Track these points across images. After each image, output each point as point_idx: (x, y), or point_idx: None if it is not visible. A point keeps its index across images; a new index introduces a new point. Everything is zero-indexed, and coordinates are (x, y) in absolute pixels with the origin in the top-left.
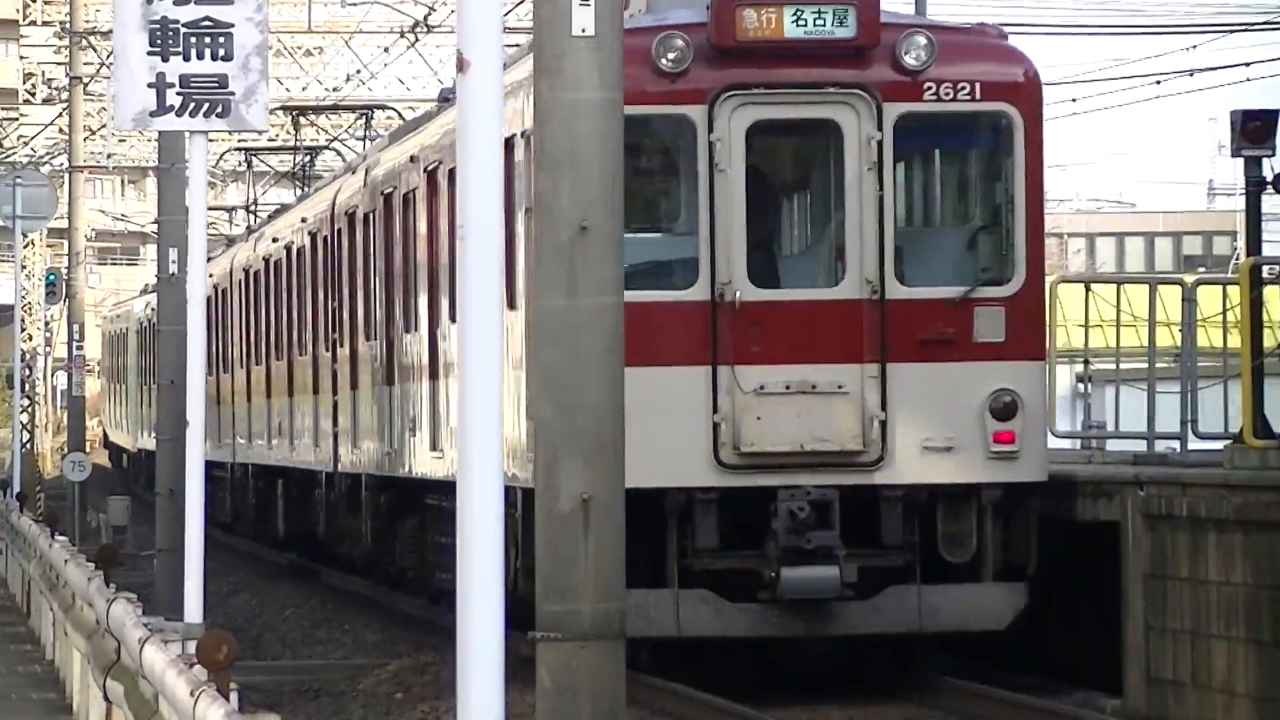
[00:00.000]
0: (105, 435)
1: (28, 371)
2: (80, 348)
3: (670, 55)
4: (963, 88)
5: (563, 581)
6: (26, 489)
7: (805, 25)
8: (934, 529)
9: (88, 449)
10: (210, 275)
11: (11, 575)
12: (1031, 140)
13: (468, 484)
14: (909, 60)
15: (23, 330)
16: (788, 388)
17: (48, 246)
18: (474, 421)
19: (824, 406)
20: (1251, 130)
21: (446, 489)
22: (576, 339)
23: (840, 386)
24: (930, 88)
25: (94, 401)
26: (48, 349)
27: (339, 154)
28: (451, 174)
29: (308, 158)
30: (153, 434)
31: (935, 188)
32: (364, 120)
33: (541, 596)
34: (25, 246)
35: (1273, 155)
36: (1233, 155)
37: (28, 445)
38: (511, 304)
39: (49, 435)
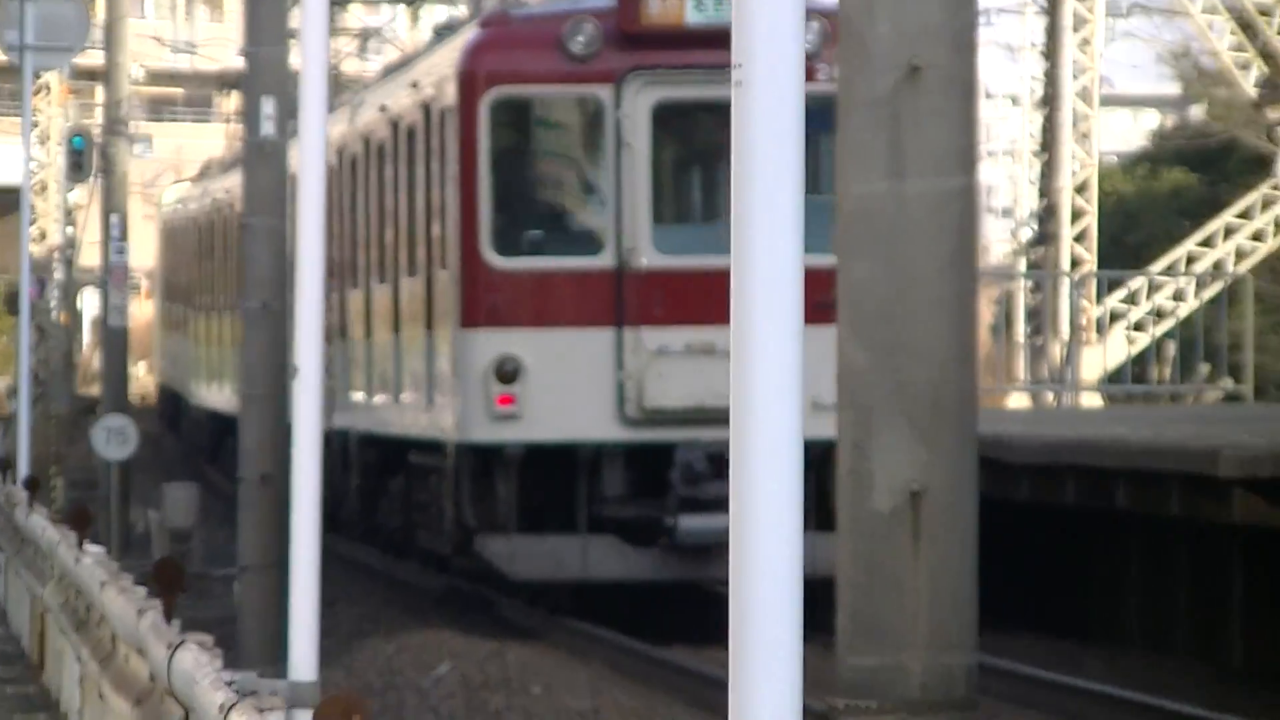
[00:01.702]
0: (162, 388)
1: (39, 289)
2: (122, 250)
3: (580, 39)
4: None
5: (878, 620)
6: (38, 471)
7: (706, 11)
8: (829, 480)
9: (134, 406)
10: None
11: (14, 604)
12: None
13: (749, 474)
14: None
15: (33, 223)
16: (688, 348)
17: (72, 94)
18: (760, 374)
19: (721, 366)
20: None
21: (414, 445)
22: (901, 243)
23: None
24: (824, 69)
25: (144, 334)
26: (71, 253)
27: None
28: (440, 114)
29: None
30: (175, 367)
31: (832, 163)
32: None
33: (845, 643)
34: (38, 94)
35: None
36: None
37: (40, 403)
38: (442, 262)
39: (76, 384)
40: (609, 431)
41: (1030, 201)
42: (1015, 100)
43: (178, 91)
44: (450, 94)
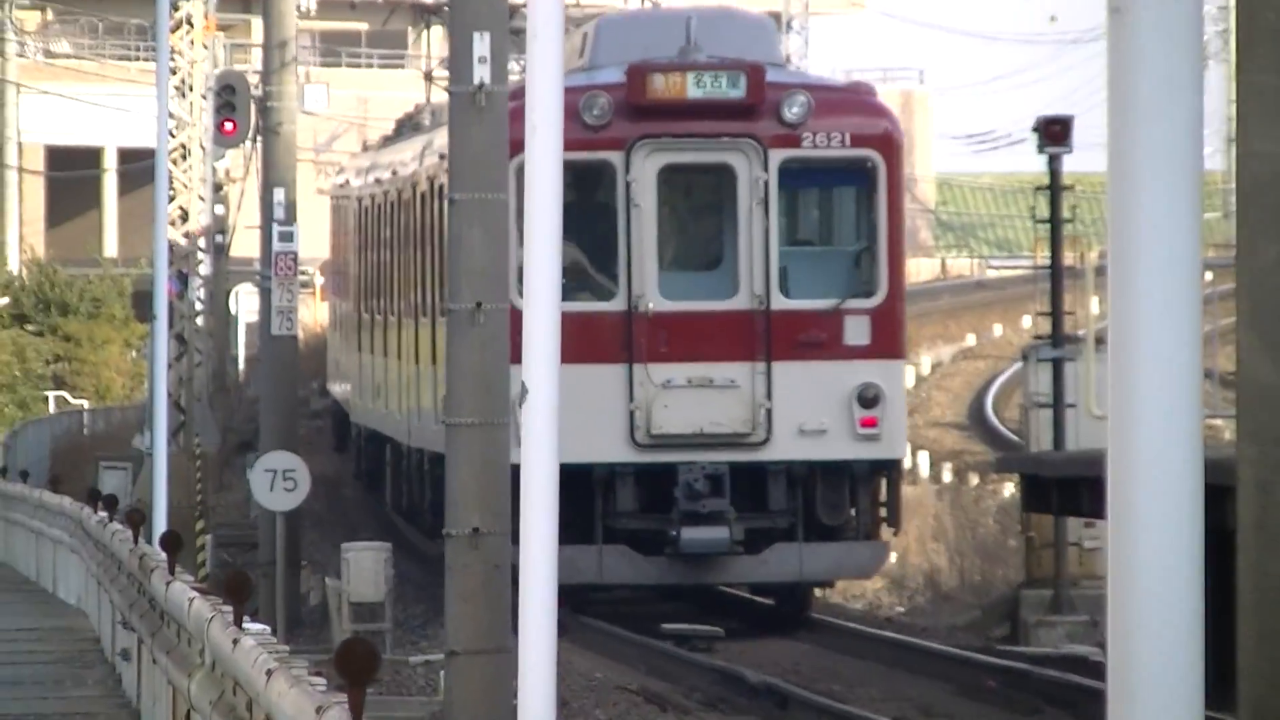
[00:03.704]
0: (340, 411)
1: (179, 287)
2: (288, 236)
3: (594, 111)
4: (835, 137)
5: None
6: (179, 526)
7: (704, 87)
8: (814, 497)
9: (306, 441)
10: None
11: (150, 702)
12: (893, 179)
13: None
14: (790, 115)
15: (171, 200)
16: (689, 381)
17: (221, 30)
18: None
19: (719, 397)
20: None
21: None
22: None
23: (733, 381)
24: (808, 137)
25: (316, 343)
26: (221, 240)
27: None
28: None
29: None
30: (356, 390)
31: (813, 218)
32: None
33: None
34: (175, 30)
35: None
36: None
37: (182, 437)
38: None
39: (221, 413)
40: (621, 454)
41: None
42: None
43: (360, 26)
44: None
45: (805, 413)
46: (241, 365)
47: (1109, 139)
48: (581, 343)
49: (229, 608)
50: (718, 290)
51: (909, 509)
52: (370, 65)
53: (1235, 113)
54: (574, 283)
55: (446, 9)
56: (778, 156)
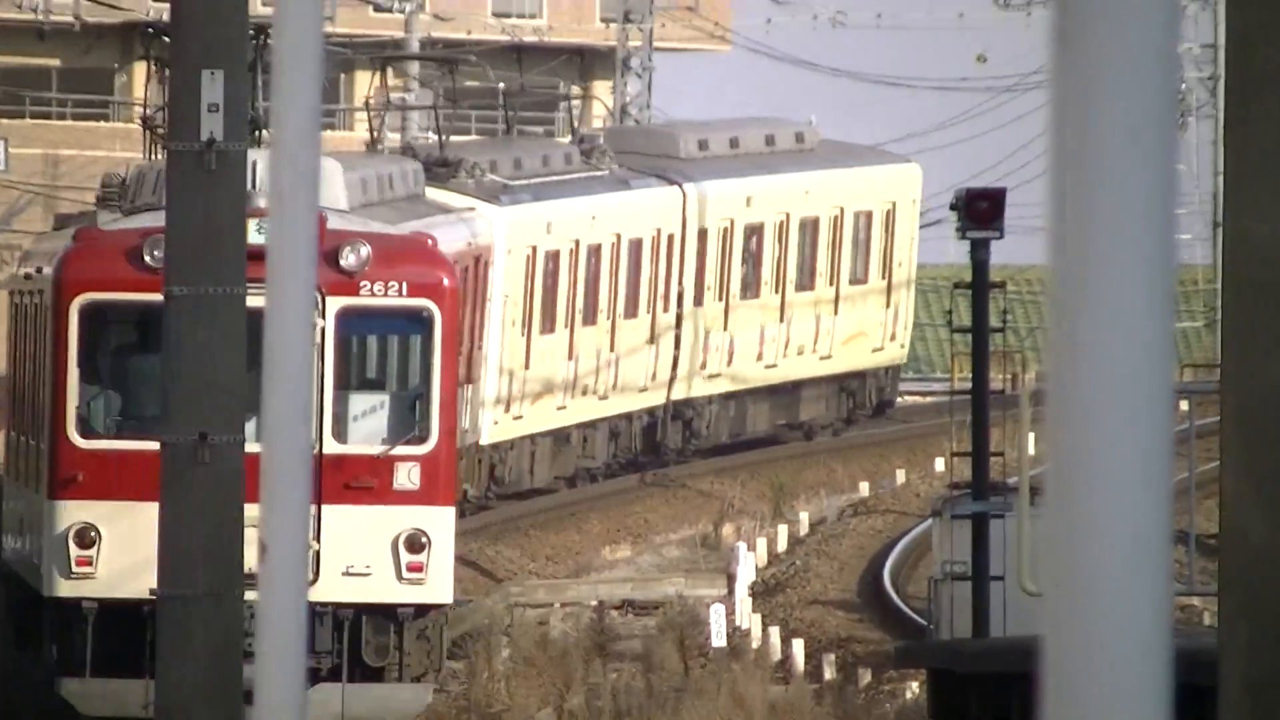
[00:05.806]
0: (7, 579)
1: None
2: None
3: (155, 252)
4: (393, 285)
5: None
6: None
7: (264, 233)
8: (360, 638)
9: None
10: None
11: None
12: (447, 328)
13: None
14: (348, 263)
15: None
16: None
17: None
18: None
19: None
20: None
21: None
22: None
23: None
24: (366, 285)
25: None
26: None
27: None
28: (47, 309)
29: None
30: (26, 544)
31: (370, 364)
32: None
33: None
34: None
35: None
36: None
37: None
38: (44, 437)
39: None
40: None
41: None
42: None
43: (51, 62)
44: (49, 296)
45: (352, 555)
46: None
47: (1048, 217)
48: (135, 478)
49: None
50: None
51: (779, 714)
52: (64, 115)
53: (1223, 185)
54: (130, 420)
55: (166, 38)
56: (335, 304)
